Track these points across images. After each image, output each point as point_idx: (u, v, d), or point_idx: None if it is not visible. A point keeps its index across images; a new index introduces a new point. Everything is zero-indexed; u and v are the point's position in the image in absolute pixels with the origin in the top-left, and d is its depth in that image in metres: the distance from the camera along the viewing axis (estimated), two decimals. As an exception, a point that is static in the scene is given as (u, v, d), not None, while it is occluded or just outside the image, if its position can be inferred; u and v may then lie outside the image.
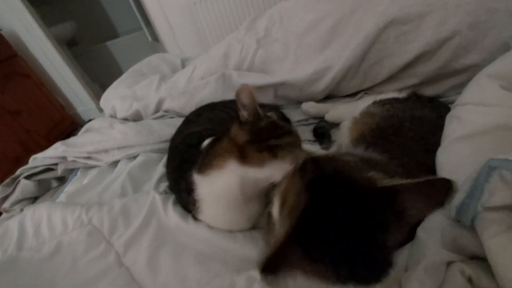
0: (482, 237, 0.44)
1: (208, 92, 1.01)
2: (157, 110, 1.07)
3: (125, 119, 1.14)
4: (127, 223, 0.65)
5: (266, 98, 1.00)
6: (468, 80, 0.74)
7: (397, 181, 0.36)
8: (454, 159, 0.51)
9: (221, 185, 0.55)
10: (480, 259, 0.45)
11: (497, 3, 0.67)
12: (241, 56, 1.07)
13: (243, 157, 0.52)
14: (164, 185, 0.81)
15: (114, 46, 3.53)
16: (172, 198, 0.71)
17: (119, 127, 1.00)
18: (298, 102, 1.00)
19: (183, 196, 0.64)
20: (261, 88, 0.98)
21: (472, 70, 0.73)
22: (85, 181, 0.94)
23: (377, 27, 0.76)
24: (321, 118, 0.93)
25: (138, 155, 0.97)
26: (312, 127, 0.93)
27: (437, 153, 0.54)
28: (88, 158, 1.02)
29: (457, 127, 0.53)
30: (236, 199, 0.54)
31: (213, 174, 0.54)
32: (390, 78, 0.83)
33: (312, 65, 0.89)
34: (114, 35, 3.71)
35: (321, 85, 0.89)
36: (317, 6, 0.94)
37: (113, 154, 0.99)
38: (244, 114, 0.52)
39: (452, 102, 0.77)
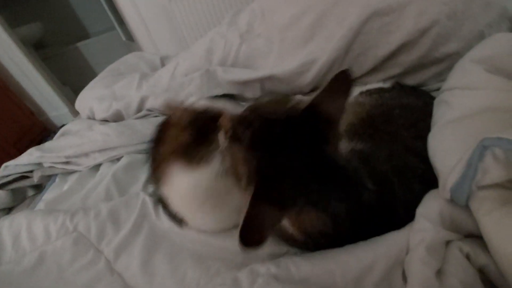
0: (477, 215, 0.46)
1: (193, 89, 0.98)
2: (139, 109, 1.03)
3: (105, 120, 1.08)
4: (117, 227, 0.62)
5: (253, 93, 0.99)
6: (448, 68, 0.77)
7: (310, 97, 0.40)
8: (445, 142, 0.53)
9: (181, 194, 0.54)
10: (475, 237, 0.47)
11: None
12: (224, 51, 1.05)
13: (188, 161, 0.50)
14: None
15: (86, 47, 3.37)
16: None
17: (100, 128, 0.95)
18: (285, 96, 1.00)
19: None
20: (248, 82, 0.97)
21: (451, 58, 0.76)
22: (65, 187, 0.89)
23: (360, 18, 0.78)
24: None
25: (121, 157, 0.92)
26: (300, 120, 0.93)
27: (428, 138, 0.56)
28: (67, 163, 0.96)
29: (446, 111, 0.54)
30: (206, 200, 0.53)
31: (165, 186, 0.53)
32: (374, 69, 0.85)
33: (297, 58, 0.89)
34: (85, 35, 3.54)
35: (308, 78, 0.89)
36: (299, 0, 0.94)
37: (94, 157, 0.94)
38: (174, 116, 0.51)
39: (434, 91, 0.80)
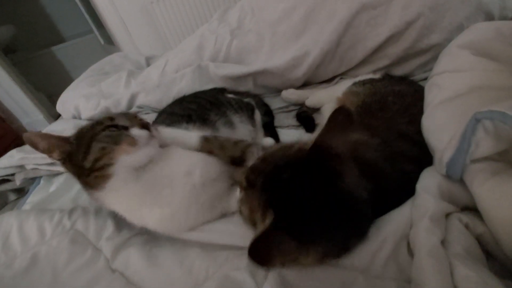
0: (471, 187, 0.48)
1: (185, 84, 0.97)
2: (130, 106, 1.00)
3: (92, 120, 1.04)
4: (119, 225, 0.60)
5: (246, 87, 0.99)
6: (432, 59, 0.82)
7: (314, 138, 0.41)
8: (438, 122, 0.56)
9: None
10: (471, 209, 0.50)
11: None
12: (215, 47, 1.05)
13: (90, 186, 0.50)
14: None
15: (61, 51, 3.23)
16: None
17: (88, 126, 0.91)
18: (277, 91, 1.01)
19: None
20: (241, 77, 0.98)
21: (434, 49, 0.81)
22: (52, 188, 0.84)
23: (350, 12, 0.81)
24: (301, 105, 0.95)
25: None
26: (293, 113, 0.94)
27: (422, 120, 0.59)
28: (52, 163, 0.90)
29: (437, 93, 0.58)
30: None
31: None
32: (364, 61, 0.88)
33: (289, 52, 0.91)
34: (60, 39, 3.39)
35: (300, 71, 0.91)
36: (289, -5, 0.96)
37: (82, 157, 0.89)
38: (54, 156, 0.50)
39: (420, 81, 0.85)
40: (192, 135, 0.59)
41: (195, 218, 0.54)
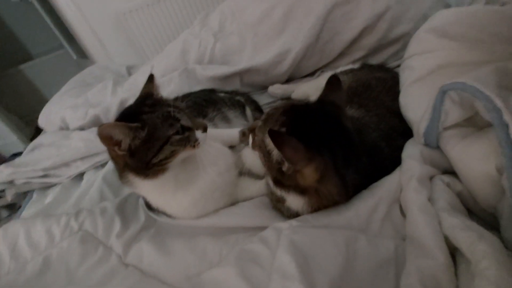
0: (446, 151, 0.55)
1: (174, 88, 0.99)
2: (119, 112, 1.00)
3: (81, 129, 1.03)
4: (126, 221, 0.61)
5: (233, 86, 1.03)
6: (402, 47, 0.91)
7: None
8: (412, 99, 0.63)
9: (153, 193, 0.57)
10: (449, 172, 0.57)
11: None
12: (200, 50, 1.08)
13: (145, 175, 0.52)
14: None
15: (30, 69, 3.10)
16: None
17: (80, 135, 0.91)
18: (263, 88, 1.06)
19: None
20: (228, 77, 1.01)
21: (404, 39, 0.89)
22: (48, 200, 0.83)
23: (325, 8, 0.88)
24: (287, 98, 1.01)
25: (106, 163, 0.89)
26: (280, 107, 0.99)
27: (399, 98, 0.66)
28: (44, 176, 0.89)
29: (409, 74, 0.65)
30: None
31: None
32: (342, 54, 0.95)
33: (273, 50, 0.96)
34: (28, 57, 3.25)
35: (284, 67, 0.97)
36: (267, -3, 1.02)
37: (77, 166, 0.89)
38: (119, 149, 0.50)
39: (394, 68, 0.93)
40: (233, 131, 0.68)
41: (214, 203, 0.59)
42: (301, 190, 0.48)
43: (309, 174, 0.46)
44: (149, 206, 0.63)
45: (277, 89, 1.01)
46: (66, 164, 0.89)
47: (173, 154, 0.50)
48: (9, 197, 0.85)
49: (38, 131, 2.87)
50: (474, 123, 0.56)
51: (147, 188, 0.54)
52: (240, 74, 1.01)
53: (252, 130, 0.55)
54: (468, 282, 0.40)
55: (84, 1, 2.14)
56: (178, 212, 0.57)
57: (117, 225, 0.60)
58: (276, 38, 0.98)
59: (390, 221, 0.52)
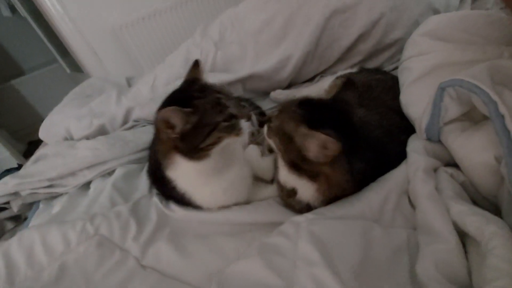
0: (447, 145, 0.59)
1: (179, 95, 1.01)
2: (125, 121, 1.02)
3: (86, 139, 1.03)
4: (141, 224, 0.62)
5: (236, 93, 1.06)
6: (397, 52, 0.96)
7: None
8: (412, 97, 0.67)
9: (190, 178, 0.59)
10: (451, 165, 0.60)
11: None
12: (202, 59, 1.10)
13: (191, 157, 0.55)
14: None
15: (22, 84, 3.06)
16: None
17: (87, 144, 0.92)
18: (265, 94, 1.10)
19: (177, 199, 0.64)
20: (230, 84, 1.04)
21: (398, 44, 0.95)
22: (55, 209, 0.83)
23: (324, 17, 0.93)
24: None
25: (113, 171, 0.90)
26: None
27: (400, 98, 0.70)
28: (50, 186, 0.89)
29: (408, 75, 0.69)
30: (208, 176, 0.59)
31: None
32: (340, 59, 1.00)
33: (274, 56, 1.00)
34: (19, 72, 3.22)
35: (286, 72, 1.00)
36: (267, 7, 1.07)
37: (84, 175, 0.89)
38: (172, 132, 0.52)
39: (390, 71, 0.98)
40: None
41: (238, 194, 0.62)
42: (313, 176, 0.51)
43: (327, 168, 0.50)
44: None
45: (279, 94, 1.04)
46: (73, 174, 0.89)
47: (219, 140, 0.53)
48: (15, 208, 0.84)
49: (30, 146, 2.83)
50: (471, 118, 0.60)
51: (188, 171, 0.56)
52: (243, 80, 1.04)
53: (268, 119, 0.58)
54: (479, 263, 0.43)
55: (80, 15, 2.16)
56: (208, 197, 0.60)
57: (132, 228, 0.61)
58: (277, 45, 1.02)
59: (400, 212, 0.55)
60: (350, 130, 0.52)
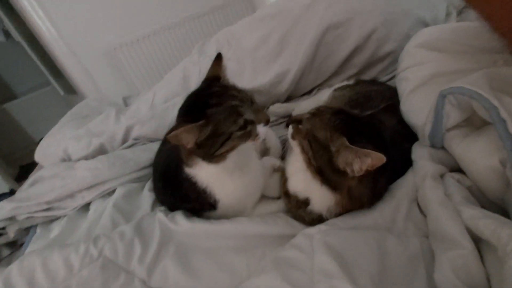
0: (451, 151, 0.60)
1: (178, 112, 1.02)
2: (125, 139, 1.00)
3: (85, 159, 1.01)
4: (145, 244, 0.60)
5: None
6: (390, 64, 0.99)
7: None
8: (412, 106, 0.69)
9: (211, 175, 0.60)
10: (456, 170, 0.61)
11: (394, 7, 0.96)
12: (200, 76, 1.12)
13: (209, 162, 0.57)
14: (161, 208, 0.76)
15: (15, 108, 3.03)
16: (178, 212, 0.67)
17: (86, 164, 0.90)
18: (264, 107, 1.11)
19: (193, 198, 0.64)
20: (230, 100, 1.05)
21: (391, 56, 0.98)
22: (54, 233, 0.80)
23: (318, 32, 0.96)
24: (288, 116, 1.05)
25: (114, 191, 0.88)
26: (282, 125, 1.04)
27: (400, 107, 0.71)
28: (48, 209, 0.86)
29: (406, 85, 0.71)
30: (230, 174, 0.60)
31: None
32: (336, 72, 1.03)
33: (272, 71, 1.02)
34: (11, 96, 3.20)
35: (284, 86, 1.02)
36: (262, 25, 1.10)
37: (82, 196, 0.87)
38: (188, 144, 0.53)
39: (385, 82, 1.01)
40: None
41: (255, 194, 0.66)
42: (336, 187, 0.50)
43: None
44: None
45: (278, 108, 1.05)
46: (71, 196, 0.87)
47: (234, 147, 0.53)
48: (11, 233, 0.81)
49: (22, 170, 2.75)
50: (472, 123, 0.61)
51: (208, 171, 0.58)
52: (242, 96, 1.05)
53: (295, 121, 0.57)
54: (498, 268, 0.42)
55: (74, 38, 2.18)
56: (228, 191, 0.62)
57: (137, 248, 0.58)
58: (274, 61, 1.04)
59: (411, 220, 0.54)
60: (383, 149, 0.51)
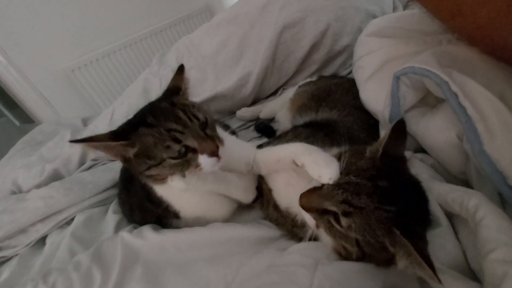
0: (412, 131, 0.61)
1: (140, 127, 0.96)
2: (82, 161, 0.92)
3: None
4: (107, 270, 0.53)
5: (201, 116, 1.03)
6: (348, 57, 1.02)
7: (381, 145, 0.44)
8: (371, 93, 0.70)
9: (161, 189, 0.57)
10: (419, 151, 0.62)
11: (345, 2, 0.99)
12: (161, 87, 1.08)
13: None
14: (126, 228, 0.69)
15: (-36, 144, 2.77)
16: (145, 227, 0.61)
17: (38, 193, 0.81)
18: (231, 113, 1.08)
19: (157, 202, 0.59)
20: (194, 108, 1.02)
21: (347, 49, 1.00)
22: (4, 276, 0.70)
23: (275, 32, 0.96)
24: (256, 119, 1.04)
25: (73, 218, 0.79)
26: (251, 128, 1.02)
27: (360, 95, 0.72)
28: (-5, 251, 0.76)
29: (362, 72, 0.72)
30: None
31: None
32: (298, 71, 1.03)
33: (234, 75, 1.00)
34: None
35: (248, 89, 1.01)
36: (220, 30, 1.09)
37: (36, 230, 0.78)
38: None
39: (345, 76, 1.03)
40: (250, 144, 0.67)
41: (220, 210, 0.61)
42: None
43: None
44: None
45: (245, 112, 1.03)
46: (23, 230, 0.77)
47: (170, 173, 0.48)
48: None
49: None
50: (427, 103, 0.63)
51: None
52: (207, 102, 1.02)
53: (313, 209, 0.43)
54: (471, 240, 0.42)
55: (26, 63, 2.05)
56: (185, 206, 0.58)
57: (97, 277, 0.52)
58: (236, 64, 1.03)
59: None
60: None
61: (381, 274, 0.40)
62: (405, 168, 0.45)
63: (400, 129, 0.45)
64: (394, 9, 1.11)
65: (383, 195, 0.38)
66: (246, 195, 0.61)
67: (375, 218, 0.37)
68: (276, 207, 0.57)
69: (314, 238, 0.48)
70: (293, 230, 0.54)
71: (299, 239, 0.51)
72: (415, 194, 0.42)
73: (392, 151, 0.43)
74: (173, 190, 0.55)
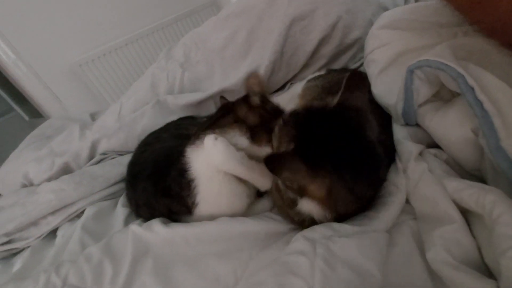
0: (425, 126, 0.59)
1: (148, 121, 0.96)
2: (91, 156, 0.93)
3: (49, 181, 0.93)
4: (117, 262, 0.54)
5: (208, 111, 1.03)
6: (358, 50, 1.00)
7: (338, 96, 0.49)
8: (383, 87, 0.68)
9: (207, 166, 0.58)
10: (432, 146, 0.60)
11: None
12: (169, 82, 1.08)
13: (252, 137, 0.57)
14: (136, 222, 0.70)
15: (-26, 140, 2.84)
16: (154, 220, 0.62)
17: (49, 186, 0.82)
18: (238, 108, 1.07)
19: (174, 194, 0.60)
20: (201, 103, 1.01)
21: (358, 43, 0.98)
22: (16, 267, 0.71)
23: (284, 25, 0.95)
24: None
25: (83, 211, 0.80)
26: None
27: (372, 89, 0.70)
28: (7, 242, 0.78)
29: (374, 66, 0.70)
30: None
31: None
32: (306, 65, 1.02)
33: (242, 69, 0.99)
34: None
35: (256, 83, 0.99)
36: (227, 24, 1.08)
37: (47, 222, 0.79)
38: (255, 99, 0.61)
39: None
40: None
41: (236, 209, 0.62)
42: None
43: (313, 191, 0.45)
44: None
45: (252, 107, 1.02)
46: (35, 223, 0.79)
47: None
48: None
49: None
50: (441, 97, 0.61)
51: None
52: (214, 97, 1.02)
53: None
54: (487, 238, 0.41)
55: (34, 59, 2.08)
56: (210, 195, 0.59)
57: (108, 270, 0.52)
58: (243, 59, 1.02)
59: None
60: (354, 149, 0.45)
61: (380, 240, 0.43)
62: (357, 119, 0.47)
63: (355, 80, 0.48)
64: (406, 1, 1.08)
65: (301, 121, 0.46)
66: (266, 181, 0.62)
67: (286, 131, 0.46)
68: (278, 189, 0.57)
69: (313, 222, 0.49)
70: (288, 212, 0.54)
71: (291, 220, 0.54)
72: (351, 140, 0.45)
73: (348, 103, 0.47)
74: (209, 171, 0.57)
